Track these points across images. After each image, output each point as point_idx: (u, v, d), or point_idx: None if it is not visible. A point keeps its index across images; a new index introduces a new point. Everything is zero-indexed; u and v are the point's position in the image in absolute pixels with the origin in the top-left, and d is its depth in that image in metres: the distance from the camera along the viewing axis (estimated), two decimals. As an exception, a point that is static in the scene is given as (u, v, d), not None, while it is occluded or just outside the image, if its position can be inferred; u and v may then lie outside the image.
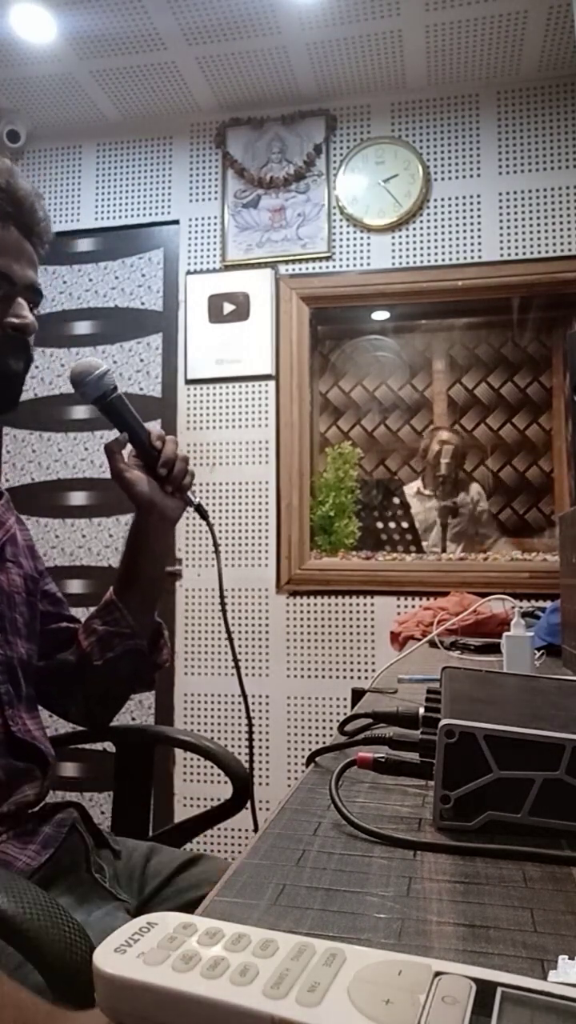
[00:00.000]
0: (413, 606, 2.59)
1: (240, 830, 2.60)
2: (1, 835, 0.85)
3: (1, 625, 0.93)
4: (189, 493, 1.06)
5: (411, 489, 3.37)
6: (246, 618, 2.76)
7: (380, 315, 3.36)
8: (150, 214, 2.99)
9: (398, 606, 2.67)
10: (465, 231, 2.74)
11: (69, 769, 2.79)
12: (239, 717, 2.72)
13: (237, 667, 1.15)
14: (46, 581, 1.09)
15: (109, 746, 1.24)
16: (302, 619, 2.73)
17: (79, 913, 0.81)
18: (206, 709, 2.76)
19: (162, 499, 1.03)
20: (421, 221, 2.77)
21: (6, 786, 0.87)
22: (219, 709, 2.75)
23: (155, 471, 1.02)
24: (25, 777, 0.91)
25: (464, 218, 2.75)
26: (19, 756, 0.91)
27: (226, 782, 1.18)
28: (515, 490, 3.44)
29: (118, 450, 1.00)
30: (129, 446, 1.02)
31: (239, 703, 2.72)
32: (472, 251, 2.73)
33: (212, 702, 2.76)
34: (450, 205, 2.76)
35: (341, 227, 2.83)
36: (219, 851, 2.59)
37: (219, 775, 1.20)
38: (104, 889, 0.91)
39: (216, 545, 1.15)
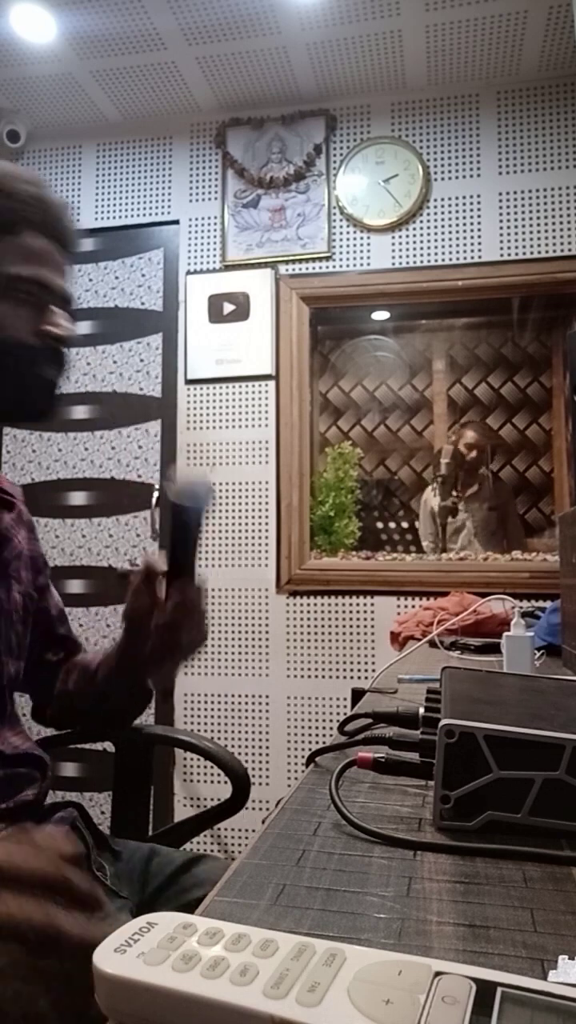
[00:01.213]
0: (413, 606, 2.59)
1: (240, 830, 2.60)
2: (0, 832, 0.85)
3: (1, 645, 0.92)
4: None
5: (432, 492, 3.35)
6: (246, 618, 2.76)
7: (380, 315, 3.36)
8: (150, 214, 2.99)
9: (398, 606, 2.67)
10: (465, 231, 2.74)
11: (69, 769, 2.79)
12: (239, 717, 2.72)
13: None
14: (47, 597, 1.08)
15: (109, 746, 1.24)
16: (302, 619, 2.73)
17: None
18: (206, 709, 2.75)
19: (145, 641, 0.91)
20: (421, 221, 2.77)
21: (7, 790, 0.88)
22: (219, 709, 2.75)
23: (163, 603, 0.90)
24: (25, 780, 0.91)
25: (464, 218, 2.75)
26: (16, 766, 0.91)
27: (225, 782, 1.18)
28: (515, 490, 3.44)
29: (156, 576, 0.89)
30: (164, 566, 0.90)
31: (239, 703, 2.73)
32: (472, 251, 2.73)
33: (212, 702, 2.76)
34: (450, 205, 2.76)
35: (341, 227, 2.83)
36: (220, 851, 2.59)
37: (219, 775, 1.20)
38: (105, 887, 0.91)
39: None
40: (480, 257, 2.73)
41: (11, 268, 0.86)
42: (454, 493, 3.23)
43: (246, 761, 2.62)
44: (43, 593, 1.07)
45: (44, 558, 1.08)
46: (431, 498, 3.31)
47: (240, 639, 2.75)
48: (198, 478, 0.86)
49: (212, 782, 2.67)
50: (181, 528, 0.87)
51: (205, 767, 2.69)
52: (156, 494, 2.86)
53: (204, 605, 0.91)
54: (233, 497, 2.81)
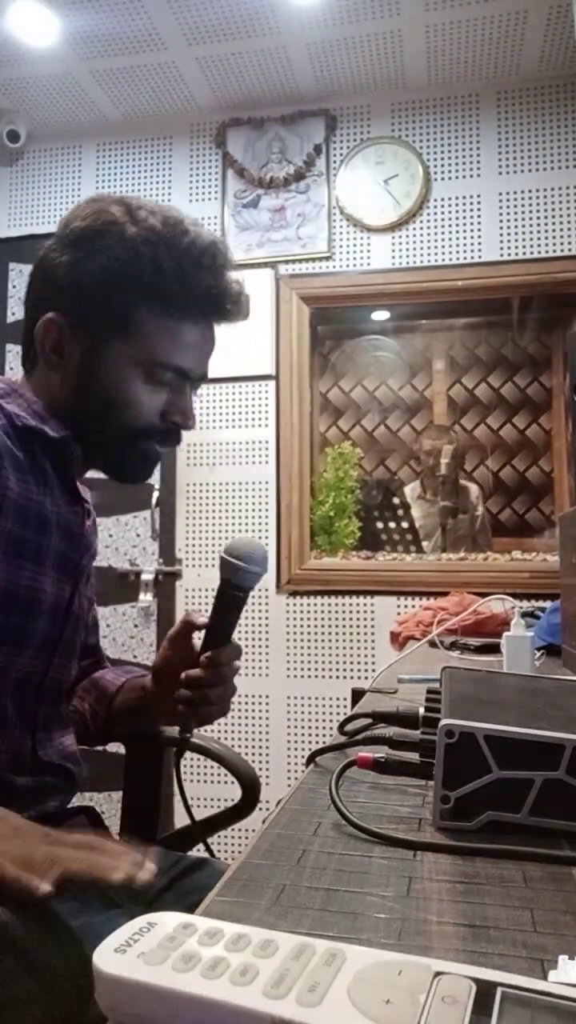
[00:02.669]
0: (413, 606, 2.59)
1: (240, 830, 2.60)
2: None
3: (64, 650, 0.92)
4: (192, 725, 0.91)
5: (412, 492, 3.36)
6: (246, 618, 2.75)
7: (380, 315, 3.36)
8: (150, 214, 2.98)
9: (398, 606, 2.67)
10: (465, 231, 2.74)
11: (69, 769, 2.79)
12: (239, 717, 2.72)
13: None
14: (92, 607, 1.09)
15: (114, 746, 1.24)
16: (302, 619, 2.73)
17: (81, 918, 0.81)
18: (206, 709, 2.75)
19: (169, 695, 0.92)
20: (421, 221, 2.77)
21: (32, 798, 0.88)
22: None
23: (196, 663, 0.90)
24: (52, 791, 0.91)
25: (464, 218, 2.75)
26: (48, 774, 0.91)
27: (228, 782, 1.17)
28: (515, 490, 3.44)
29: (193, 629, 0.93)
30: (203, 633, 0.91)
31: (239, 703, 2.73)
32: (472, 251, 2.73)
33: (212, 702, 2.75)
34: (450, 205, 2.76)
35: (341, 227, 2.83)
36: (222, 851, 2.59)
37: (220, 776, 1.20)
38: (108, 898, 0.91)
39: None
40: (480, 257, 2.73)
41: (161, 355, 0.89)
42: (437, 495, 3.23)
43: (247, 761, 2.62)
44: (91, 603, 1.08)
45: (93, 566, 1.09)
46: (409, 498, 3.31)
47: (240, 639, 2.74)
48: (254, 545, 0.85)
49: (213, 782, 2.67)
50: (229, 588, 0.86)
51: (205, 767, 2.69)
52: (156, 494, 2.86)
53: (234, 674, 0.92)
54: (233, 497, 2.81)
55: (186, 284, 0.87)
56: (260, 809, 1.13)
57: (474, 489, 3.31)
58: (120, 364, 0.88)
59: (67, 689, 0.97)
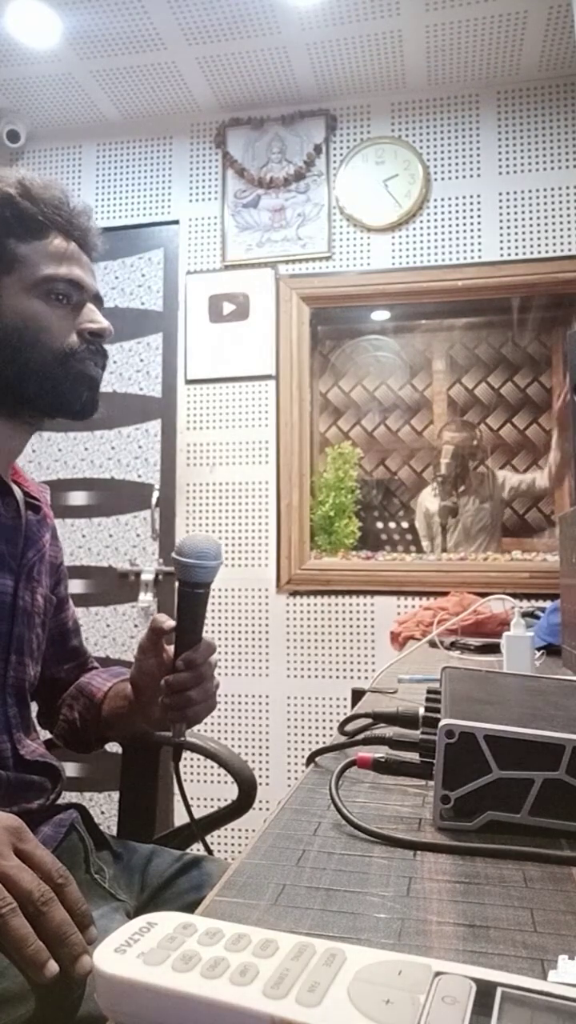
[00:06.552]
0: (413, 606, 2.59)
1: (240, 830, 2.60)
2: None
3: (19, 647, 0.92)
4: (183, 727, 0.89)
5: (430, 490, 3.34)
6: (246, 618, 2.76)
7: (380, 315, 3.36)
8: (150, 214, 2.99)
9: (398, 606, 2.67)
10: (465, 231, 2.74)
11: (69, 769, 2.79)
12: (239, 717, 2.72)
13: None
14: (66, 608, 1.09)
15: (109, 746, 1.24)
16: (302, 619, 2.73)
17: None
18: (206, 709, 2.75)
19: (152, 703, 0.92)
20: (421, 221, 2.77)
21: (15, 796, 0.88)
22: (219, 709, 2.74)
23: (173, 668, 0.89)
24: (36, 789, 0.91)
25: (464, 218, 2.75)
26: (32, 773, 0.91)
27: (226, 782, 1.17)
28: (513, 489, 3.43)
29: (162, 634, 0.91)
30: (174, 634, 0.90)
31: (239, 703, 2.73)
32: (472, 251, 2.73)
33: (212, 702, 2.75)
34: (450, 205, 2.76)
35: (341, 227, 2.83)
36: (222, 851, 2.59)
37: (219, 775, 1.20)
38: (103, 889, 0.91)
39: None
40: (480, 257, 2.73)
41: (45, 270, 0.89)
42: (442, 491, 3.22)
43: (246, 761, 2.62)
44: (62, 604, 1.08)
45: (64, 568, 1.08)
46: (428, 499, 3.31)
47: (240, 639, 2.75)
48: (206, 540, 0.84)
49: (212, 782, 2.67)
50: (188, 587, 0.84)
51: (205, 767, 2.69)
52: (156, 494, 2.86)
53: (212, 670, 0.90)
54: (233, 497, 2.81)
55: (37, 203, 0.91)
56: (260, 809, 1.13)
57: (506, 477, 3.32)
58: (17, 296, 0.89)
59: (32, 691, 0.96)
